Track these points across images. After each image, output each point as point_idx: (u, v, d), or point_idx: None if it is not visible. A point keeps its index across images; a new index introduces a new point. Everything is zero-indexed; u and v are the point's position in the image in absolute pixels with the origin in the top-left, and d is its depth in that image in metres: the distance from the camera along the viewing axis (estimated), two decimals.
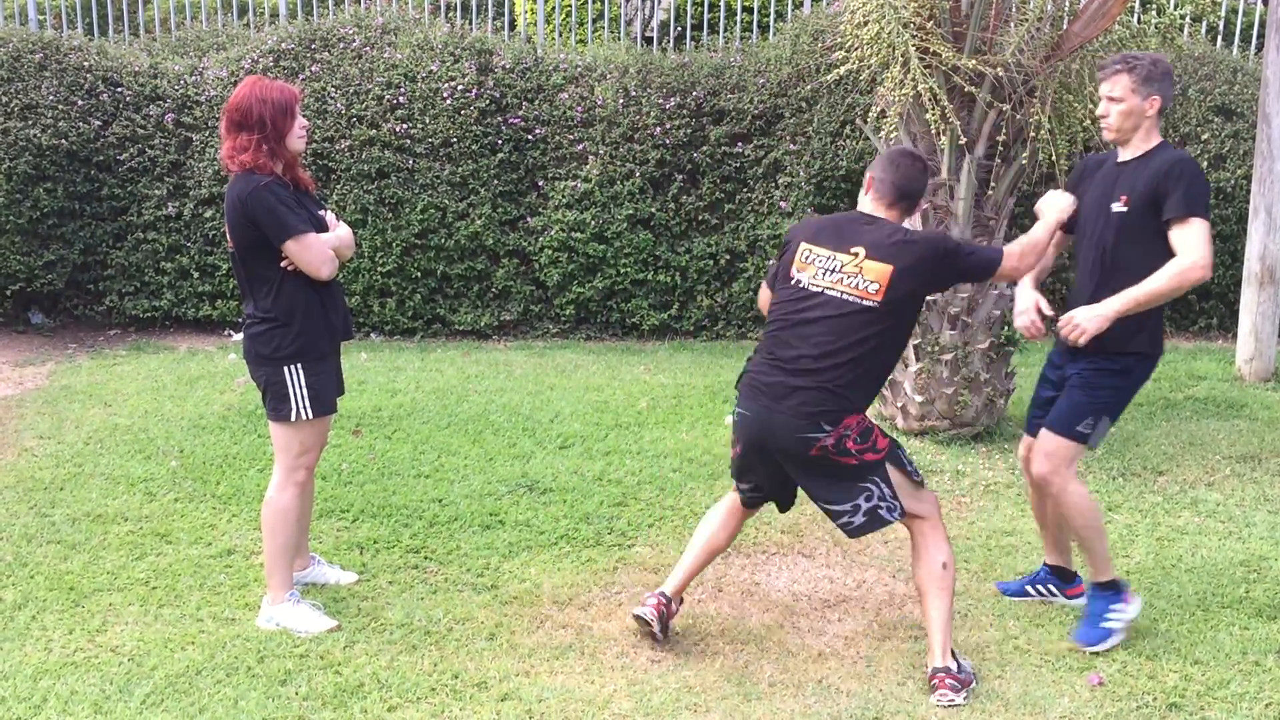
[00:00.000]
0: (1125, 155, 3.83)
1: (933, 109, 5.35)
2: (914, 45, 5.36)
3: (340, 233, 3.91)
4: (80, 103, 8.15)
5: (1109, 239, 3.79)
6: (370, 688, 3.51)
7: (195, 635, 3.81)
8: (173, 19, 10.07)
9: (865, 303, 3.46)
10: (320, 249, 3.75)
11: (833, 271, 3.52)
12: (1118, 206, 3.76)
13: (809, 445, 3.46)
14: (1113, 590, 3.86)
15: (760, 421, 3.54)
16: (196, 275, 8.37)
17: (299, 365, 3.80)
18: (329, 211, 3.99)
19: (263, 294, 3.80)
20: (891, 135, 5.68)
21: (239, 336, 8.29)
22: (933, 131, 5.50)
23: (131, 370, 7.29)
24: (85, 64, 8.26)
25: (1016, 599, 4.18)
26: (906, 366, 5.87)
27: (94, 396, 6.62)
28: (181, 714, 3.34)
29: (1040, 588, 4.17)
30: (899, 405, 5.94)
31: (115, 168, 8.26)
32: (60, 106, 8.08)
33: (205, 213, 8.26)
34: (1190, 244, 3.61)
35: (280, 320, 3.79)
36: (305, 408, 3.80)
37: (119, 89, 8.29)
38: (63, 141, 8.03)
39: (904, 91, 5.39)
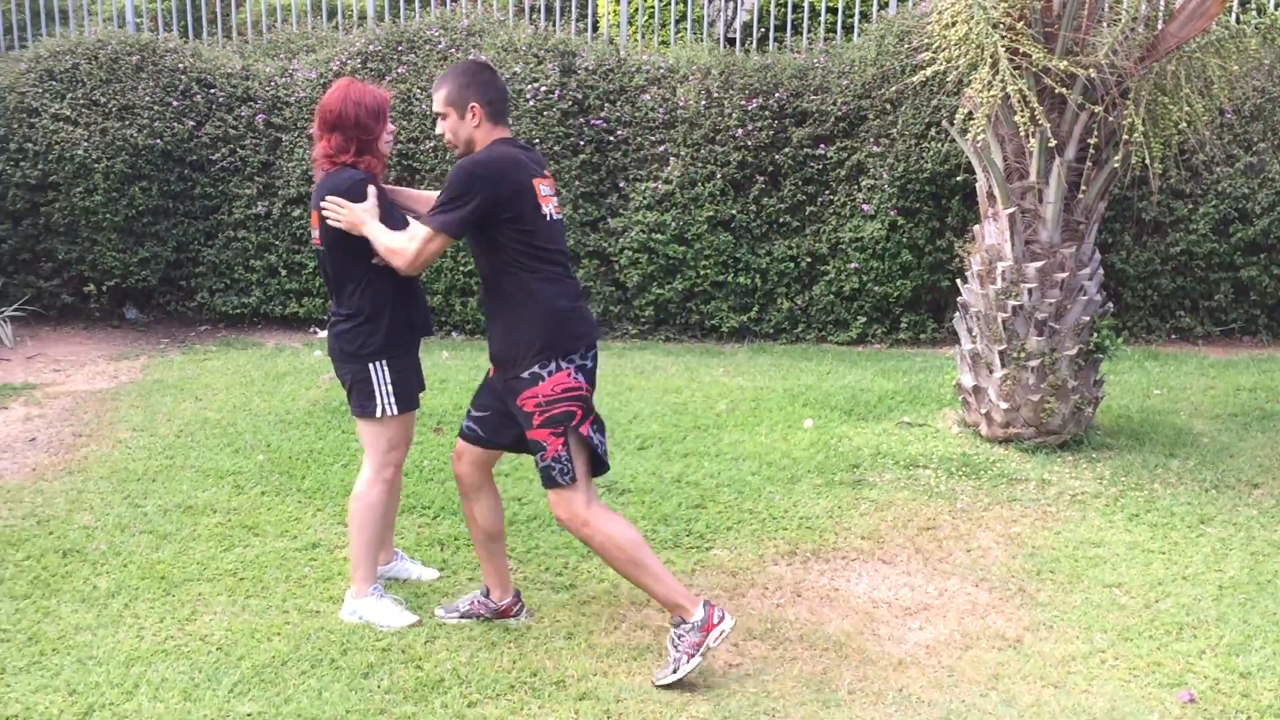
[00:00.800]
0: None
1: (1022, 111, 5.25)
2: (1003, 46, 5.27)
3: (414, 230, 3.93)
4: (175, 103, 8.37)
5: None
6: (450, 683, 3.54)
7: (281, 626, 3.88)
8: (264, 21, 10.29)
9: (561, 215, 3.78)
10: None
11: (554, 197, 3.72)
12: None
13: None
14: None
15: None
16: (284, 273, 8.54)
17: (384, 362, 3.84)
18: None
19: (349, 291, 3.85)
20: (979, 137, 5.59)
21: (324, 333, 8.45)
22: (1022, 134, 5.40)
23: (221, 365, 7.46)
24: (180, 66, 8.48)
25: (1102, 611, 4.08)
26: (991, 372, 5.77)
27: (185, 390, 6.79)
28: (268, 703, 3.41)
29: None
30: (983, 412, 5.84)
31: (207, 167, 8.46)
32: (156, 107, 8.31)
33: (293, 212, 8.43)
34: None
35: (366, 317, 3.84)
36: (391, 404, 3.85)
37: (212, 90, 8.49)
38: (158, 141, 8.25)
39: (992, 93, 5.30)
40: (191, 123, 8.38)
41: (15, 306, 8.31)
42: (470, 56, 8.37)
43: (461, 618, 3.96)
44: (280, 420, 6.15)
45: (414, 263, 3.62)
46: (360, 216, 3.71)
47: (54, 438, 5.97)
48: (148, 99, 8.32)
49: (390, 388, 3.85)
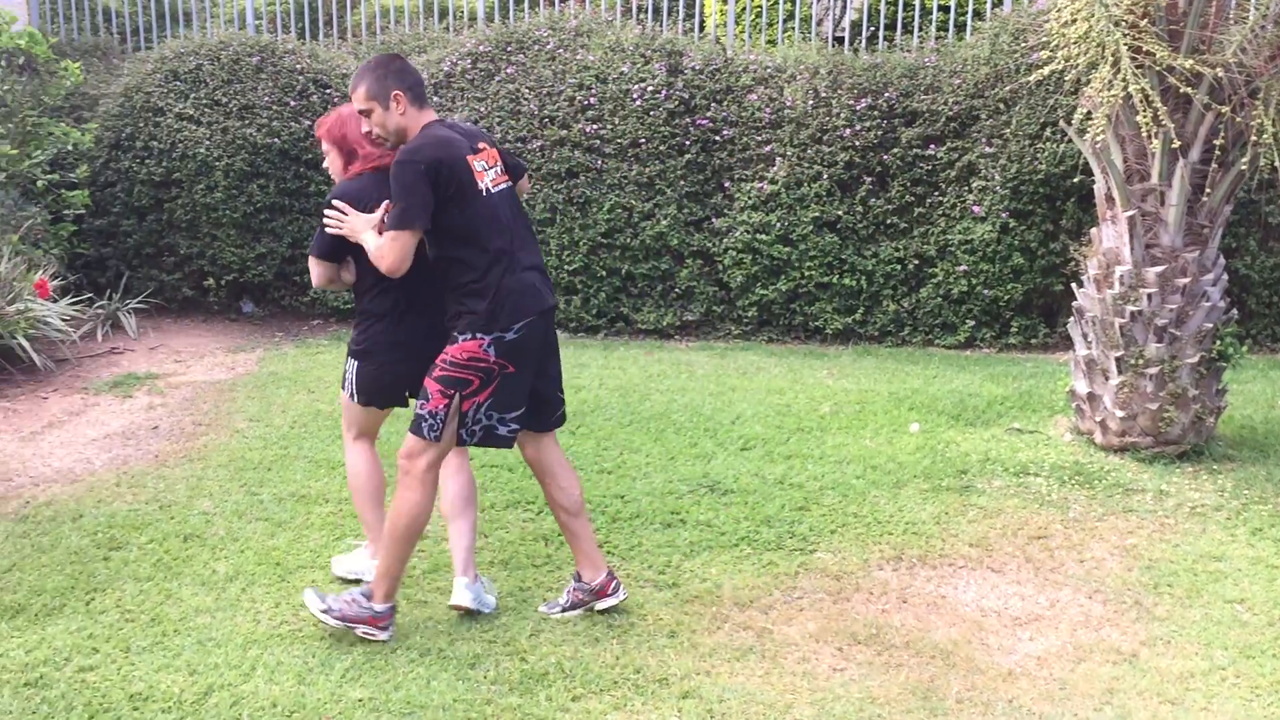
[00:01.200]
0: None
1: (1144, 111, 5.11)
2: (1126, 44, 5.13)
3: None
4: (292, 103, 8.59)
5: None
6: (555, 676, 3.58)
7: None
8: (378, 22, 10.50)
9: (509, 184, 3.89)
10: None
11: (490, 170, 3.80)
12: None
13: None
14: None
15: (546, 317, 3.82)
16: None
17: (358, 364, 4.09)
18: None
19: (365, 292, 4.06)
20: (1098, 138, 5.45)
21: None
22: (1143, 135, 5.25)
23: (332, 359, 7.63)
24: (298, 67, 8.71)
25: (1223, 628, 3.94)
26: (1107, 379, 5.62)
27: (298, 383, 6.97)
28: (378, 689, 3.48)
29: None
30: (1098, 420, 5.69)
31: (321, 165, 8.65)
32: (274, 107, 8.54)
33: None
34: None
35: (374, 318, 4.06)
36: (353, 390, 4.10)
37: (328, 90, 8.69)
38: (275, 140, 8.48)
39: (1113, 93, 5.16)
40: (307, 122, 8.59)
41: (139, 299, 8.62)
42: (577, 55, 8.43)
43: (565, 611, 4.00)
44: (393, 415, 6.25)
45: (392, 264, 3.65)
46: (359, 225, 3.80)
47: (175, 426, 6.17)
48: (266, 99, 8.56)
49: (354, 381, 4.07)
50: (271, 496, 5.07)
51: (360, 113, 3.80)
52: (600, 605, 3.95)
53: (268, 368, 7.42)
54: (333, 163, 4.10)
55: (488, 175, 3.77)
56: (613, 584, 3.96)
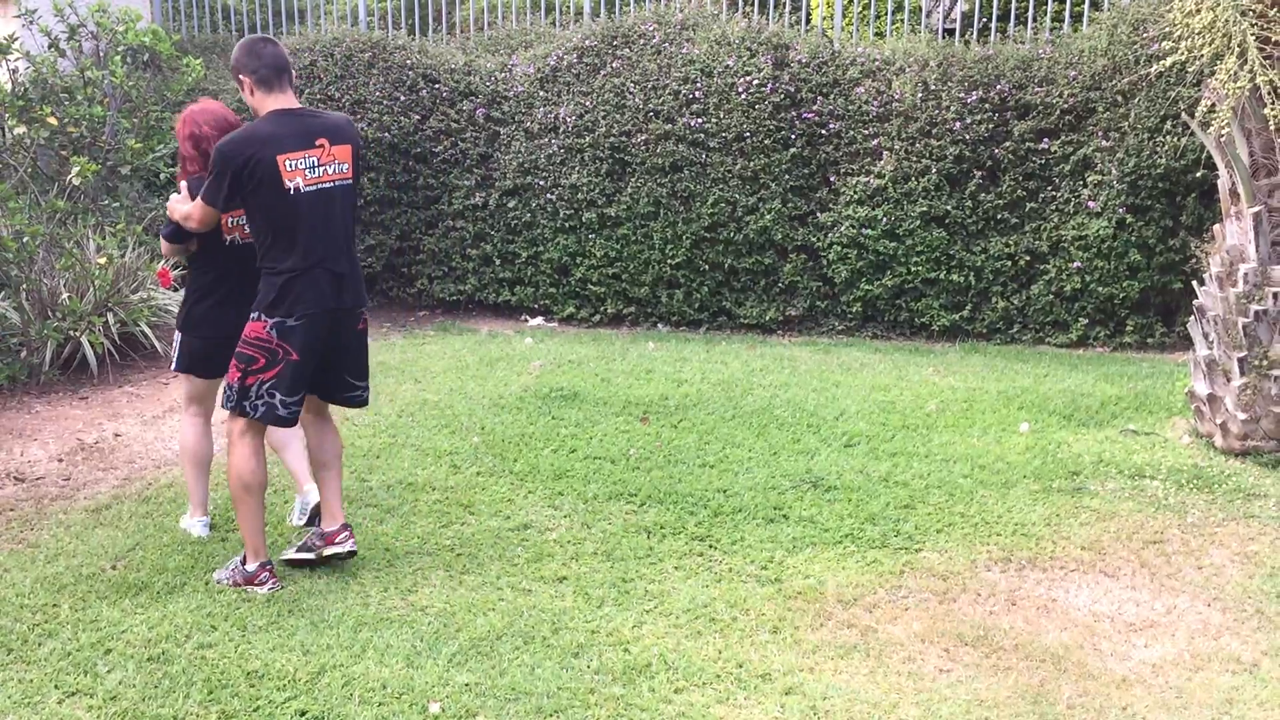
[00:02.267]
0: None
1: (1273, 103, 4.92)
2: (1253, 34, 4.95)
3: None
4: (402, 98, 8.75)
5: None
6: (658, 668, 3.58)
7: (495, 602, 4.01)
8: (485, 18, 10.63)
9: (347, 182, 4.09)
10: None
11: (315, 168, 3.97)
12: None
13: (360, 320, 4.20)
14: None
15: (333, 316, 4.05)
16: (499, 262, 8.82)
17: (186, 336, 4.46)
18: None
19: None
20: (1223, 131, 5.26)
21: (535, 322, 8.69)
22: (1271, 128, 5.06)
23: (438, 350, 7.76)
24: (408, 62, 8.86)
25: None
26: (1229, 380, 5.43)
27: (405, 373, 7.10)
28: (484, 675, 3.53)
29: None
30: (1218, 423, 5.50)
31: (430, 159, 8.81)
32: (385, 102, 8.71)
33: (509, 203, 8.69)
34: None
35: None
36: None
37: (436, 85, 8.84)
38: (386, 134, 8.65)
39: (1239, 84, 4.99)
40: (417, 117, 8.75)
41: None
42: (682, 49, 8.42)
43: (297, 551, 4.29)
44: (494, 404, 6.36)
45: (197, 221, 4.10)
46: (174, 202, 4.25)
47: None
48: (378, 94, 8.73)
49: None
50: (380, 483, 5.18)
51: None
52: (327, 551, 4.19)
53: (376, 358, 7.55)
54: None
55: (308, 174, 3.98)
56: (341, 534, 4.20)
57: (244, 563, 4.15)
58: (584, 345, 7.91)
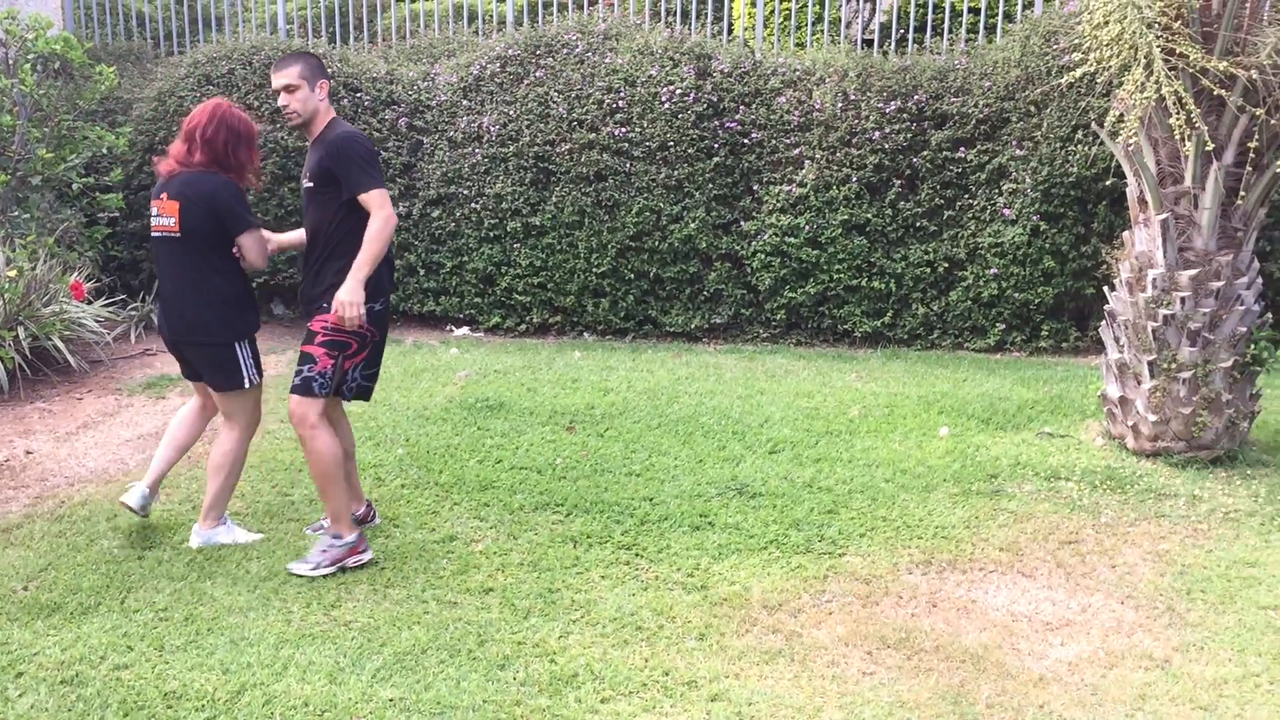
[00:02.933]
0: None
1: (1178, 113, 5.07)
2: (1159, 46, 5.09)
3: (291, 236, 4.72)
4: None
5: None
6: (584, 678, 3.58)
7: (420, 615, 3.98)
8: (407, 26, 10.57)
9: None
10: (264, 244, 4.50)
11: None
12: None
13: None
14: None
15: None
16: (423, 272, 8.76)
17: (245, 342, 4.48)
18: None
19: (218, 279, 4.47)
20: (1131, 140, 5.41)
21: (460, 332, 8.64)
22: (1177, 137, 5.21)
23: None
24: (329, 71, 8.76)
25: (1256, 634, 3.90)
26: (1140, 383, 5.58)
27: None
28: (408, 689, 3.50)
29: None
30: (1130, 424, 5.65)
31: None
32: None
33: (433, 213, 8.63)
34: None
35: (231, 302, 4.47)
36: (253, 374, 4.52)
37: (358, 94, 8.75)
38: (306, 144, 8.53)
39: (1146, 95, 5.13)
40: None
41: None
42: (606, 58, 8.44)
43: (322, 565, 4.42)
44: (419, 415, 6.31)
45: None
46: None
47: (207, 427, 6.21)
48: None
49: (250, 360, 4.51)
50: (302, 497, 5.11)
51: (281, 88, 4.32)
52: (349, 563, 4.36)
53: None
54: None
55: None
56: (364, 544, 4.42)
57: (340, 536, 4.33)
58: (510, 355, 7.89)
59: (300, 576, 4.25)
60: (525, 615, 4.00)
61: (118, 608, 4.03)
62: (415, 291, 8.81)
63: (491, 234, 8.56)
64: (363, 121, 8.68)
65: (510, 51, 8.76)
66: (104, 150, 8.47)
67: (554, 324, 8.67)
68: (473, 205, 8.55)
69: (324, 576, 4.25)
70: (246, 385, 4.51)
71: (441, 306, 8.79)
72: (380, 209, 4.24)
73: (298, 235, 4.68)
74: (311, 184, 4.33)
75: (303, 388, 4.30)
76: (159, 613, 3.98)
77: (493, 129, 8.50)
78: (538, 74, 8.57)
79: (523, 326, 8.71)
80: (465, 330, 8.78)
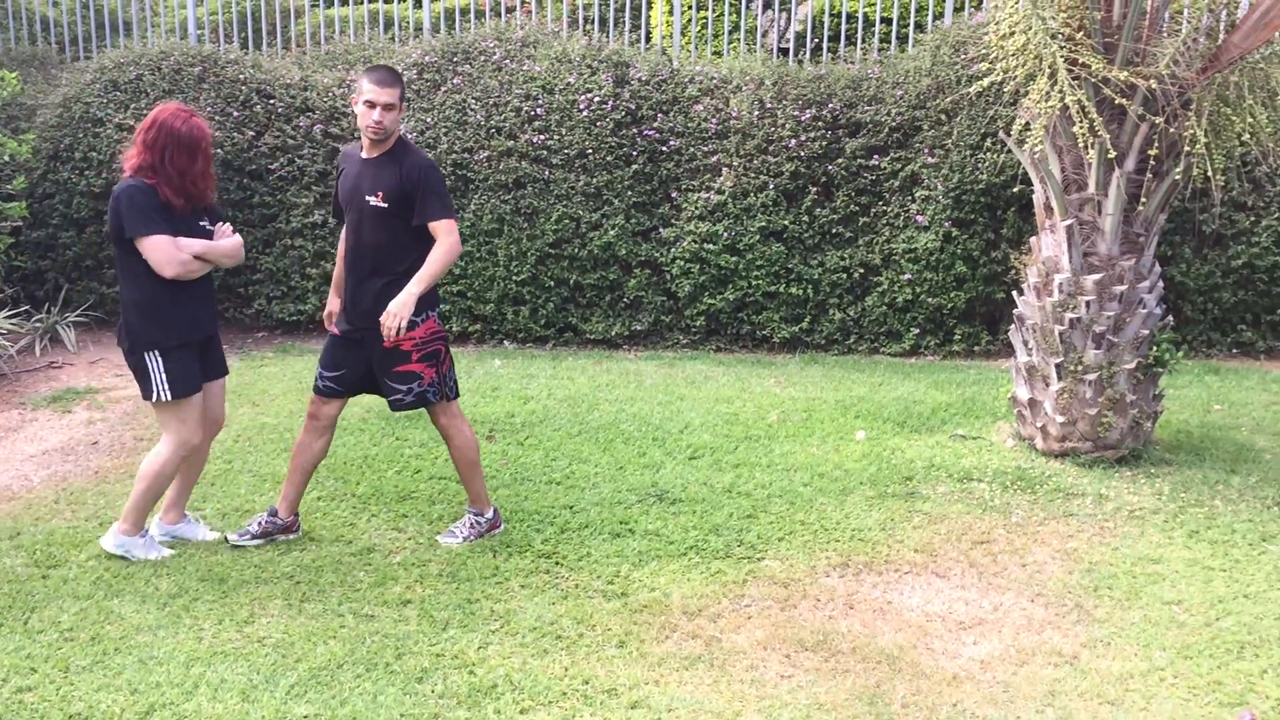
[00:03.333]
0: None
1: (1081, 122, 5.20)
2: (1062, 56, 5.22)
3: (218, 243, 4.48)
4: (236, 114, 8.51)
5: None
6: (503, 689, 3.56)
7: (337, 629, 3.92)
8: (322, 33, 10.43)
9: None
10: (168, 250, 4.31)
11: None
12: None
13: None
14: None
15: None
16: None
17: (157, 353, 4.37)
18: (224, 224, 4.56)
19: (127, 284, 4.41)
20: (1036, 148, 5.54)
21: None
22: (1080, 145, 5.35)
23: (277, 372, 7.56)
24: (241, 77, 8.63)
25: (1161, 629, 4.02)
26: (1047, 385, 5.71)
27: (242, 396, 6.89)
28: (324, 705, 3.45)
29: None
30: (1039, 426, 5.78)
31: (266, 176, 8.59)
32: (217, 118, 8.45)
33: None
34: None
35: (139, 309, 4.39)
36: (165, 391, 4.38)
37: (271, 101, 8.62)
38: (218, 151, 8.39)
39: (1051, 104, 5.26)
40: (251, 133, 8.52)
41: (79, 312, 8.49)
42: (524, 65, 8.43)
43: (254, 539, 4.63)
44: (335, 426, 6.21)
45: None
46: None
47: (116, 441, 6.08)
48: (209, 109, 8.47)
49: (164, 376, 4.37)
50: (215, 511, 5.01)
51: (385, 105, 4.37)
52: (487, 535, 4.75)
53: None
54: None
55: None
56: (499, 519, 4.84)
57: (480, 514, 4.73)
58: None
59: (448, 546, 4.63)
60: (444, 627, 3.97)
61: (20, 628, 3.91)
62: None
63: None
64: (276, 129, 8.56)
65: (427, 59, 8.70)
66: (6, 158, 8.23)
67: (474, 332, 8.62)
68: None
69: (462, 545, 4.63)
70: (154, 398, 4.40)
71: None
72: (449, 235, 4.41)
73: (228, 247, 4.50)
74: (385, 205, 4.40)
75: (417, 404, 4.56)
76: (64, 633, 3.88)
77: (409, 136, 8.43)
78: (455, 81, 8.52)
79: None
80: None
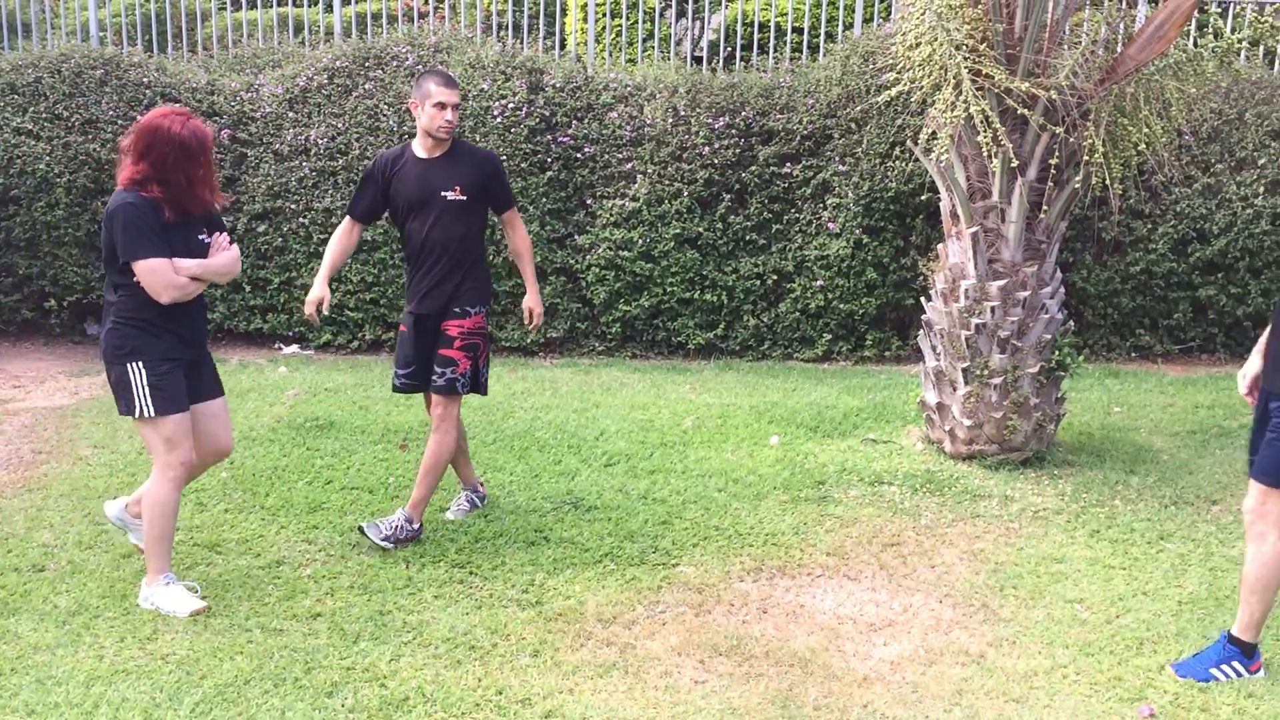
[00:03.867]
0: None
1: (985, 131, 5.32)
2: (966, 67, 5.33)
3: (212, 260, 4.12)
4: (139, 118, 8.30)
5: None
6: (415, 701, 3.52)
7: (244, 645, 3.85)
8: (230, 36, 10.25)
9: None
10: (164, 274, 3.99)
11: None
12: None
13: None
14: (1243, 651, 3.76)
15: None
16: (249, 289, 8.49)
17: (140, 363, 4.05)
18: (222, 235, 4.20)
19: (116, 296, 4.10)
20: (942, 157, 5.65)
21: (290, 350, 8.41)
22: (984, 154, 5.47)
23: None
24: (145, 80, 8.43)
25: (1064, 627, 4.12)
26: (955, 389, 5.83)
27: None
28: None
29: (1226, 668, 3.76)
30: (947, 429, 5.89)
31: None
32: (120, 121, 8.25)
33: (258, 227, 8.38)
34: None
35: (127, 322, 4.09)
36: (148, 405, 4.05)
37: (176, 105, 8.42)
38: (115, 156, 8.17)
39: (956, 114, 5.37)
40: None
41: None
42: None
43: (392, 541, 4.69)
44: (244, 437, 6.10)
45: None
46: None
47: (13, 455, 5.89)
48: (111, 113, 8.26)
49: (147, 390, 4.04)
50: (118, 526, 4.87)
51: (454, 104, 4.65)
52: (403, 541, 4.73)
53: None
54: None
55: None
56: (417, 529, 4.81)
57: (411, 522, 4.71)
58: (341, 373, 7.72)
59: (368, 539, 4.62)
60: (355, 640, 3.91)
61: None
62: (240, 309, 8.53)
63: (321, 249, 8.36)
64: None
65: (338, 63, 8.58)
66: None
67: (388, 340, 8.52)
68: (300, 220, 8.34)
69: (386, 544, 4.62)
70: (136, 414, 4.05)
71: (269, 324, 8.53)
72: (522, 223, 5.01)
73: (224, 264, 4.17)
74: (465, 197, 4.69)
75: (447, 389, 4.71)
76: None
77: (320, 142, 8.32)
78: (367, 86, 8.43)
79: (355, 344, 8.54)
80: (295, 348, 8.55)
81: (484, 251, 4.89)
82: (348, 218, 4.98)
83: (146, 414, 4.05)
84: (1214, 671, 3.73)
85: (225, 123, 8.41)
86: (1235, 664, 3.74)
